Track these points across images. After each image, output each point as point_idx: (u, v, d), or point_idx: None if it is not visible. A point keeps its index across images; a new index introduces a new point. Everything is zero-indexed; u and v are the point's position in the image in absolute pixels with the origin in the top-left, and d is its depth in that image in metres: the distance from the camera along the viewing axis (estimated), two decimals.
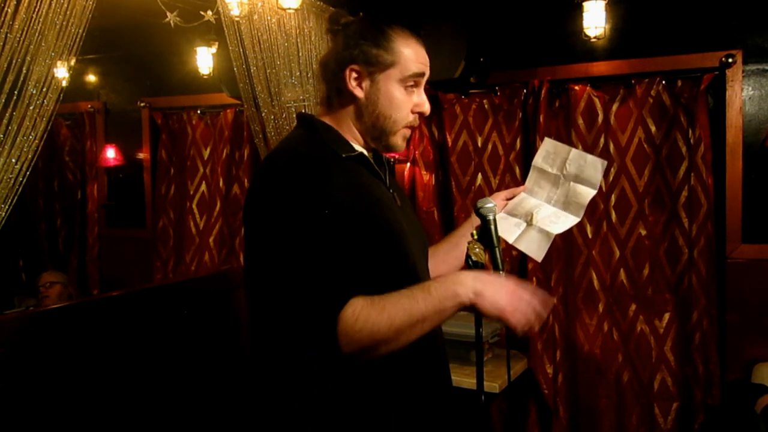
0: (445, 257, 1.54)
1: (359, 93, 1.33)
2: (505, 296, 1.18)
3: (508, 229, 1.54)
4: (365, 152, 1.36)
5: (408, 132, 1.39)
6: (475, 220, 1.51)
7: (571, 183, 1.38)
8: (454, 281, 1.20)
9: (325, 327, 1.13)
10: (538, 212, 1.49)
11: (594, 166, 1.37)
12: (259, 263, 1.25)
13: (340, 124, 1.36)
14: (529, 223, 1.50)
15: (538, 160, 1.44)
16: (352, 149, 1.33)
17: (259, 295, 1.26)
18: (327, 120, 1.37)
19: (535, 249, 1.31)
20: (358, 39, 1.33)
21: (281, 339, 1.22)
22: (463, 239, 1.53)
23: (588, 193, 1.36)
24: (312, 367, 1.21)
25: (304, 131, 1.36)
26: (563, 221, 1.33)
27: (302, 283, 1.15)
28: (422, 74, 1.36)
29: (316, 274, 1.15)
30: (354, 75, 1.32)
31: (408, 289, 1.20)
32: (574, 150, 1.42)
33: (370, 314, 1.14)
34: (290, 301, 1.17)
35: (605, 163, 1.39)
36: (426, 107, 1.38)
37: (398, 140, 1.38)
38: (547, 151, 1.44)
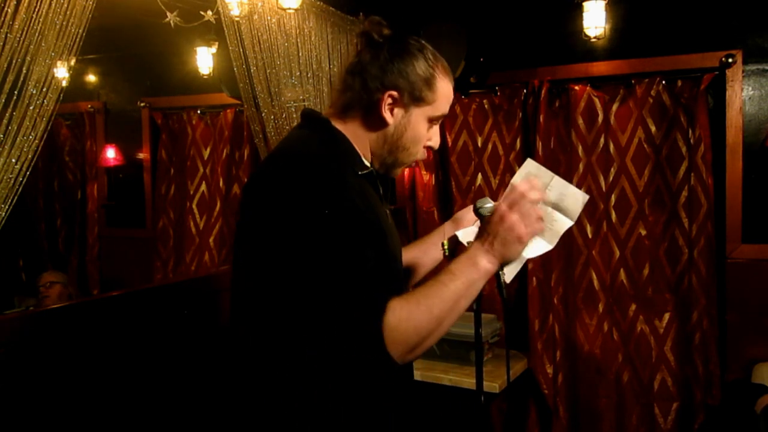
0: (414, 262, 1.52)
1: (389, 119, 1.28)
2: (510, 233, 1.18)
3: None
4: (373, 169, 1.34)
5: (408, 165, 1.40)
6: (449, 230, 1.52)
7: (549, 209, 1.30)
8: (471, 257, 1.19)
9: (370, 335, 1.09)
10: None
11: (575, 198, 1.30)
12: (267, 267, 1.19)
13: (355, 137, 1.31)
14: None
15: (516, 179, 1.36)
16: (365, 166, 1.31)
17: (261, 298, 1.22)
18: (340, 127, 1.31)
19: (505, 270, 1.25)
20: (403, 66, 1.26)
21: (281, 339, 1.21)
22: (433, 247, 1.53)
23: (565, 223, 1.29)
24: (312, 367, 1.20)
25: (314, 134, 1.29)
26: (536, 246, 1.26)
27: (336, 295, 1.11)
28: (446, 113, 1.35)
29: (352, 284, 1.11)
30: (390, 101, 1.27)
31: (431, 278, 1.20)
32: (557, 177, 1.33)
33: (411, 312, 1.12)
34: (317, 309, 1.13)
35: (587, 197, 1.33)
36: (438, 143, 1.38)
37: (399, 171, 1.39)
38: (529, 172, 1.34)
